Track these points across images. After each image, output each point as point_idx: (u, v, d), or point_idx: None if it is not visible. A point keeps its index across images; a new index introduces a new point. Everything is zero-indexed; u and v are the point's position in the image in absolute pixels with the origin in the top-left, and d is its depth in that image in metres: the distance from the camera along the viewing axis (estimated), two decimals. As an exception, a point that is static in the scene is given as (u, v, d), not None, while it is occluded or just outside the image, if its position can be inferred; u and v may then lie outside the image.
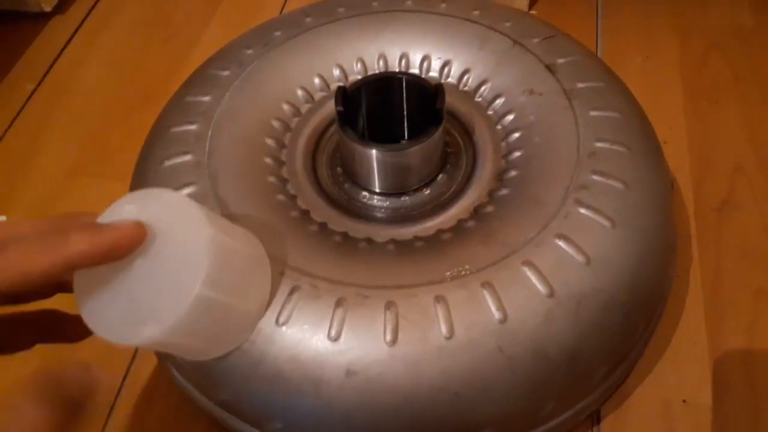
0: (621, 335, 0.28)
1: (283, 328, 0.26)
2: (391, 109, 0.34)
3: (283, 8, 0.60)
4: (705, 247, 0.43)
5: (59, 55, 0.59)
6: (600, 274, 0.27)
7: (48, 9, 0.59)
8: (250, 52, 0.37)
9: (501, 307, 0.26)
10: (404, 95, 0.34)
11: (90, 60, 0.58)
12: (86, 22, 0.61)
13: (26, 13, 0.60)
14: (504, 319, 0.25)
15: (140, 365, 0.39)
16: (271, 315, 0.26)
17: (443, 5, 0.37)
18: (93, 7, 0.63)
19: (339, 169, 0.35)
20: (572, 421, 0.29)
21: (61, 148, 0.51)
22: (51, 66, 0.58)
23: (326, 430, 0.26)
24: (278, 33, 0.37)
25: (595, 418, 0.36)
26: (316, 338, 0.26)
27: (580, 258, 0.27)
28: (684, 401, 0.37)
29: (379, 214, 0.33)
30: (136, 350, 0.39)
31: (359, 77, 0.36)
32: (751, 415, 0.36)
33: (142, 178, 0.33)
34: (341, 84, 0.35)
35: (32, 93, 0.55)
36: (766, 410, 0.36)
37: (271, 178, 0.33)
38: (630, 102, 0.33)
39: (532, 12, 0.57)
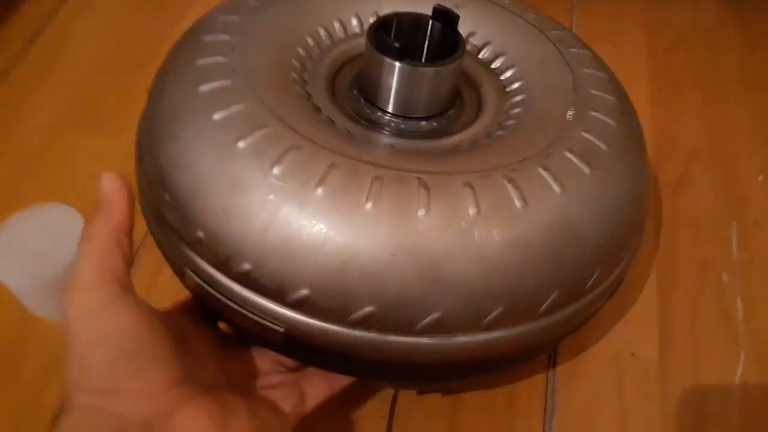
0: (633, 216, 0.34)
1: (319, 191, 0.27)
2: (415, 49, 0.37)
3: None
4: (661, 220, 0.46)
5: (54, 14, 0.58)
6: (601, 179, 0.31)
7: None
8: None
9: (522, 197, 0.29)
10: (428, 35, 0.37)
11: (83, 23, 0.57)
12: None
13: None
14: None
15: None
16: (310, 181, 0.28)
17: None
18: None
19: (358, 94, 0.37)
20: (610, 289, 0.34)
21: (52, 104, 0.51)
22: (45, 24, 0.57)
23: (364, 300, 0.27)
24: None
25: (552, 362, 0.39)
26: (351, 202, 0.27)
27: (585, 169, 0.31)
28: (632, 354, 0.40)
29: (397, 131, 0.35)
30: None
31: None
32: (691, 368, 0.39)
33: (169, 75, 0.34)
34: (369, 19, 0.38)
35: (25, 50, 0.54)
36: (705, 365, 0.39)
37: (298, 89, 0.34)
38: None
39: None
